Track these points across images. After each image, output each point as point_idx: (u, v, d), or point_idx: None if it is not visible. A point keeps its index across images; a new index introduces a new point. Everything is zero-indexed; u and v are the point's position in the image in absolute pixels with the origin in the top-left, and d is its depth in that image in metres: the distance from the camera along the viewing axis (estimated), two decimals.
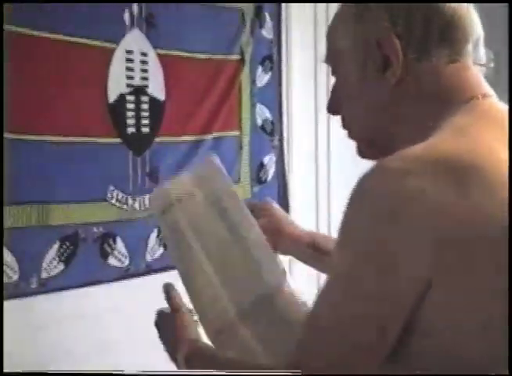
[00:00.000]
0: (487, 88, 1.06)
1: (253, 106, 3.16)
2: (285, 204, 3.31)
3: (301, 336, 0.96)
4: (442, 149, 0.90)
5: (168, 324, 1.31)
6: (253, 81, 3.16)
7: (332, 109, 1.18)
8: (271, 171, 3.27)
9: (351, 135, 1.16)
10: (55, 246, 2.46)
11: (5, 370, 1.80)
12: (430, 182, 0.85)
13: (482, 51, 1.08)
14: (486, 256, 0.85)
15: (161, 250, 2.78)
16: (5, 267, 2.32)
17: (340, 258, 0.93)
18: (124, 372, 1.15)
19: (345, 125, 1.17)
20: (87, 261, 2.54)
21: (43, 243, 2.43)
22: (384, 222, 0.87)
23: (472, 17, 1.06)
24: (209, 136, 2.94)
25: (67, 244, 2.49)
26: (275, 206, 1.51)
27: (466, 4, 1.06)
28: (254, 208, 1.45)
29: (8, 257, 2.32)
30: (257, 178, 3.21)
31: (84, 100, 2.50)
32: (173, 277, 2.61)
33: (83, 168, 2.51)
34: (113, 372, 1.12)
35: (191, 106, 2.86)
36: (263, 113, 3.21)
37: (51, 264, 2.44)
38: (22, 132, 2.33)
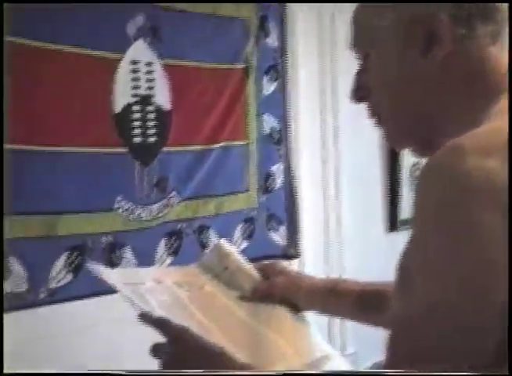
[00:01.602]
0: None
1: (259, 115, 3.17)
2: (293, 213, 3.31)
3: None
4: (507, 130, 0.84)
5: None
6: (259, 91, 3.17)
7: (358, 96, 1.13)
8: (278, 180, 3.27)
9: (381, 122, 1.12)
10: (64, 256, 2.46)
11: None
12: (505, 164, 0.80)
13: None
14: None
15: (170, 259, 2.78)
16: (13, 277, 2.33)
17: (431, 246, 0.84)
18: (123, 372, 1.11)
19: (374, 112, 1.12)
20: None
21: (51, 253, 2.43)
22: (473, 200, 0.80)
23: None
24: (216, 146, 2.95)
25: (75, 253, 2.49)
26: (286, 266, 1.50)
27: None
28: (264, 269, 1.46)
29: (16, 267, 2.34)
30: (265, 187, 3.22)
31: (90, 111, 2.51)
32: None
33: (90, 178, 2.52)
34: (113, 372, 1.10)
35: (198, 115, 2.88)
36: (270, 122, 3.22)
37: (59, 274, 2.45)
38: (27, 143, 2.35)
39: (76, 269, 2.49)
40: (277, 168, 3.26)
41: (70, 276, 2.48)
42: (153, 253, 2.75)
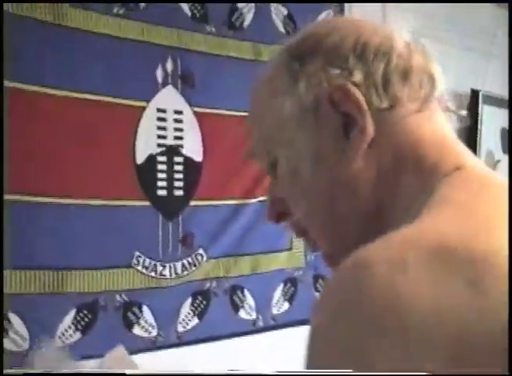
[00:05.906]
0: (468, 154, 0.78)
1: None
2: None
3: None
4: (445, 232, 0.59)
5: None
6: None
7: (272, 216, 0.91)
8: None
9: (316, 248, 0.87)
10: (71, 314, 2.31)
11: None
12: (433, 278, 0.55)
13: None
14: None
15: (196, 321, 2.59)
16: (13, 335, 2.20)
17: None
18: (124, 372, 1.12)
19: (301, 233, 0.89)
20: (107, 330, 2.38)
21: (57, 310, 2.29)
22: (372, 336, 0.55)
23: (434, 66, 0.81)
24: (254, 200, 2.74)
25: (85, 312, 2.34)
26: None
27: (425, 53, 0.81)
28: None
29: (17, 324, 2.21)
30: None
31: (109, 161, 2.37)
32: (207, 350, 2.42)
33: (105, 232, 2.37)
34: (115, 372, 1.15)
35: (233, 167, 2.68)
36: None
37: (66, 332, 2.30)
38: (37, 194, 2.22)
39: (85, 327, 2.34)
40: None
41: (78, 335, 2.33)
42: (176, 313, 2.57)
